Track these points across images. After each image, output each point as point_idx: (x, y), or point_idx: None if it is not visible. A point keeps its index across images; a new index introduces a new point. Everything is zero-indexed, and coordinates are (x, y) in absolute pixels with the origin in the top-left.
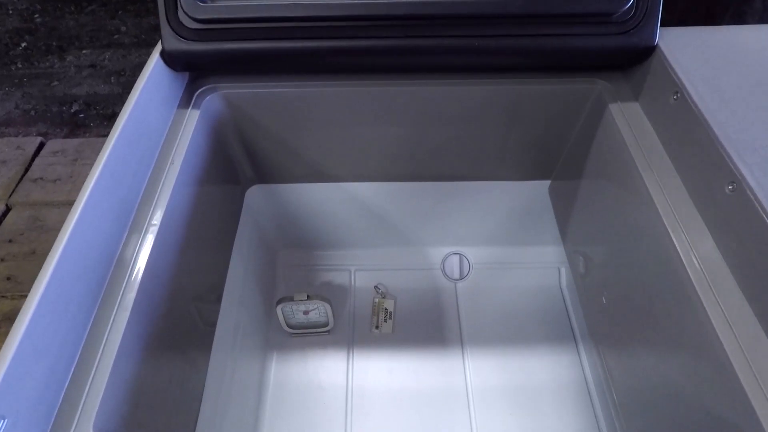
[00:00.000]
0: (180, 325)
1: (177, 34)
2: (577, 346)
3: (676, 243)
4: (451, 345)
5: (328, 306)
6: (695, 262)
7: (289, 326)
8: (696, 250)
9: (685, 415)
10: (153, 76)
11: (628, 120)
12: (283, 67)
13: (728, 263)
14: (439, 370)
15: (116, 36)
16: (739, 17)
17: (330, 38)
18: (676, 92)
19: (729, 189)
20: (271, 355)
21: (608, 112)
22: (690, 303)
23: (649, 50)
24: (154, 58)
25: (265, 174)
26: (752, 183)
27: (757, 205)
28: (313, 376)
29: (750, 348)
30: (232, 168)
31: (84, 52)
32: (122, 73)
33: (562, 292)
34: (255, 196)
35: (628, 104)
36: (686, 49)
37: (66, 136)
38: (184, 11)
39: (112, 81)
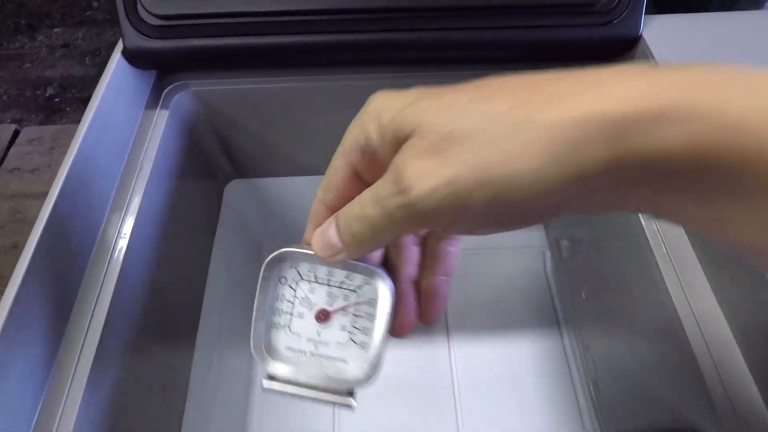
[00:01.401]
0: (160, 325)
1: (138, 31)
2: (560, 331)
3: (646, 231)
4: (436, 331)
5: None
6: (664, 249)
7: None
8: (666, 238)
9: (658, 400)
10: (116, 76)
11: None
12: (253, 63)
13: (696, 253)
14: (424, 357)
15: (89, 12)
16: (731, 2)
17: (302, 33)
18: None
19: None
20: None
21: None
22: (657, 290)
23: (633, 41)
24: (116, 57)
25: (244, 169)
26: None
27: None
28: None
29: (711, 338)
30: (208, 165)
31: (56, 30)
32: (97, 53)
33: (546, 276)
34: (235, 191)
35: None
36: (671, 39)
37: (41, 123)
38: (143, 7)
39: (87, 62)
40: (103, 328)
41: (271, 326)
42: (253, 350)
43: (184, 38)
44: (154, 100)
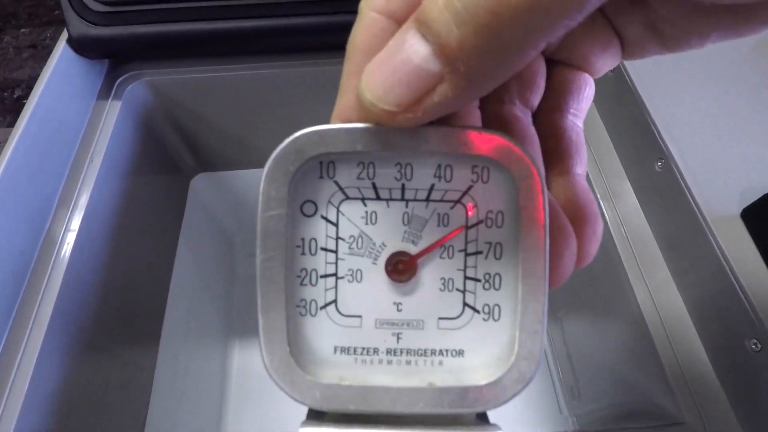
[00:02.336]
0: (119, 321)
1: (82, 18)
2: None
3: (607, 217)
4: None
5: None
6: (625, 234)
7: None
8: (626, 225)
9: (625, 380)
10: (60, 66)
11: None
12: (207, 50)
13: (656, 238)
14: None
15: (57, 12)
16: None
17: (253, 17)
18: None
19: (658, 165)
20: (233, 342)
21: None
22: (622, 285)
23: None
24: (61, 46)
25: (210, 162)
26: (679, 161)
27: (682, 183)
28: None
29: (674, 336)
30: (170, 158)
31: (23, 31)
32: None
33: None
34: (201, 184)
35: None
36: None
37: (10, 125)
38: None
39: None
40: (48, 325)
41: (296, 311)
42: (268, 367)
43: (131, 24)
44: (106, 91)
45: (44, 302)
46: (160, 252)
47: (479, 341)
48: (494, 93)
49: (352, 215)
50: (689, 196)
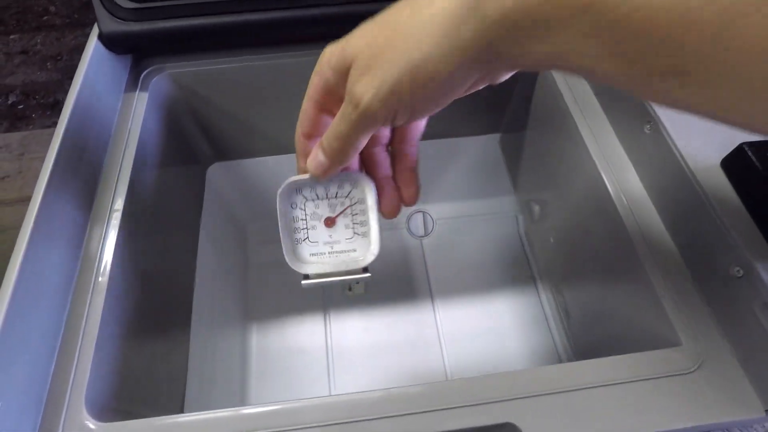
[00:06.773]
0: (156, 304)
1: (113, 15)
2: (536, 286)
3: (606, 183)
4: (421, 297)
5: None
6: (623, 199)
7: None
8: (623, 188)
9: (621, 334)
10: (94, 61)
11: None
12: (228, 43)
13: (651, 198)
14: (411, 322)
15: (46, 17)
16: None
17: (270, 9)
18: None
19: (647, 128)
20: (251, 325)
21: None
22: (619, 235)
23: None
24: (93, 42)
25: (224, 151)
26: (666, 122)
27: (669, 142)
28: (293, 341)
29: (667, 272)
30: (189, 148)
31: (12, 37)
32: (59, 57)
33: (520, 238)
34: (216, 173)
35: None
36: None
37: (7, 131)
38: None
39: (49, 67)
40: (102, 311)
41: (295, 242)
42: (288, 262)
43: (160, 19)
44: (132, 84)
45: (98, 277)
46: (185, 238)
47: (361, 245)
48: (370, 142)
49: (310, 206)
50: (676, 152)
